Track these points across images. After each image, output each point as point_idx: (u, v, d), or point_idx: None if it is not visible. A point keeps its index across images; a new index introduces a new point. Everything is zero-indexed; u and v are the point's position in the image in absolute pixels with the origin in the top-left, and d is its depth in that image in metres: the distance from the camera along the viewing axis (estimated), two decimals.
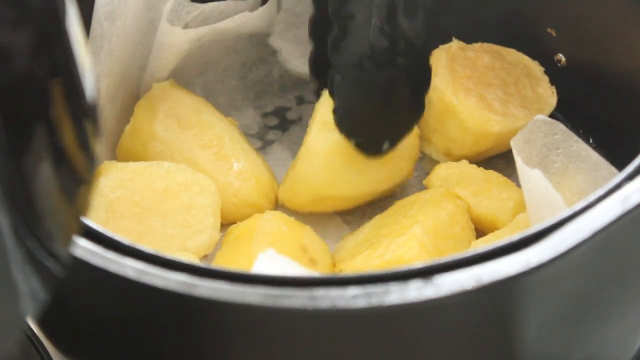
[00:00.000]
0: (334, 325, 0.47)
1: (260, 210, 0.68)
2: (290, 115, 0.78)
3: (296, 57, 0.74)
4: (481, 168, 0.69)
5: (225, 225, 0.68)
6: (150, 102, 0.70)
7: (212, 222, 0.66)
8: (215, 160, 0.69)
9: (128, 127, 0.70)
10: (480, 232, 0.67)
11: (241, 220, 0.68)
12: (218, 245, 0.68)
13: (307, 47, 0.72)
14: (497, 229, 0.66)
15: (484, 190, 0.68)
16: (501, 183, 0.69)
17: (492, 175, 0.69)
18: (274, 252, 0.53)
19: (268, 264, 0.51)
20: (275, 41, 0.74)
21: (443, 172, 0.69)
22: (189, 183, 0.66)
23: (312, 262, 0.64)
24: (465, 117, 0.69)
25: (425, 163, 0.73)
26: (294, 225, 0.66)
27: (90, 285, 0.51)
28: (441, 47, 0.71)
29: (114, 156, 0.71)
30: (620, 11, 0.67)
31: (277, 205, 0.71)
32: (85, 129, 0.39)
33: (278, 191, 0.70)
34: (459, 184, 0.68)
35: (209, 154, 0.69)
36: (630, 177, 0.50)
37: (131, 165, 0.66)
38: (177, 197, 0.65)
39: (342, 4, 0.64)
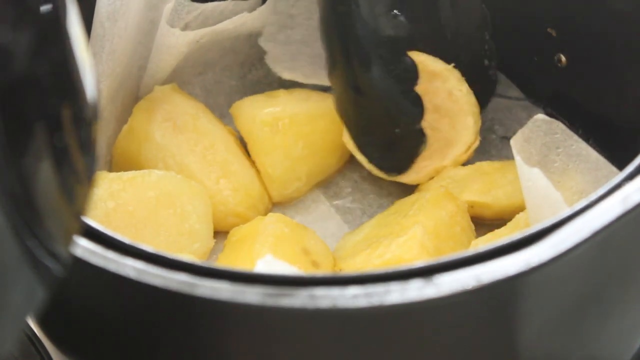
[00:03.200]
0: (335, 324, 0.47)
1: (247, 222, 0.68)
2: None
3: (283, 61, 0.74)
4: (469, 165, 0.69)
5: (218, 232, 0.68)
6: (150, 104, 0.70)
7: (204, 229, 0.66)
8: (206, 167, 0.69)
9: (125, 127, 0.70)
10: (498, 225, 0.66)
11: (229, 229, 0.68)
12: (219, 249, 0.68)
13: (297, 49, 0.72)
14: (522, 210, 0.65)
15: (489, 183, 0.68)
16: (498, 169, 0.69)
17: (485, 166, 0.69)
18: (272, 257, 0.53)
19: (267, 269, 0.51)
20: (264, 43, 0.74)
21: (435, 184, 0.69)
22: (180, 191, 0.66)
23: (314, 264, 0.64)
24: None
25: None
26: (296, 228, 0.66)
27: (90, 285, 0.51)
28: None
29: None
30: (620, 11, 0.67)
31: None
32: (85, 128, 0.39)
33: (271, 192, 0.71)
34: (461, 190, 0.68)
35: (200, 160, 0.69)
36: (630, 177, 0.50)
37: (123, 175, 0.66)
38: (169, 206, 0.65)
39: None
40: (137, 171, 0.66)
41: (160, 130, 0.69)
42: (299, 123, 0.70)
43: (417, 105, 0.68)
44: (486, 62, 0.71)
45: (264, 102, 0.71)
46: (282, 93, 0.72)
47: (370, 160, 0.70)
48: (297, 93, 0.73)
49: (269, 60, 0.74)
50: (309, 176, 0.71)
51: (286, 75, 0.74)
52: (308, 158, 0.70)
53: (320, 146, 0.71)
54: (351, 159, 0.73)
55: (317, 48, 0.74)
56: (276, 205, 0.71)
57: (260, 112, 0.70)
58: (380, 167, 0.70)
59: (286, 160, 0.70)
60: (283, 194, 0.71)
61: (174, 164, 0.68)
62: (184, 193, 0.66)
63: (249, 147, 0.71)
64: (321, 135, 0.71)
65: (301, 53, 0.74)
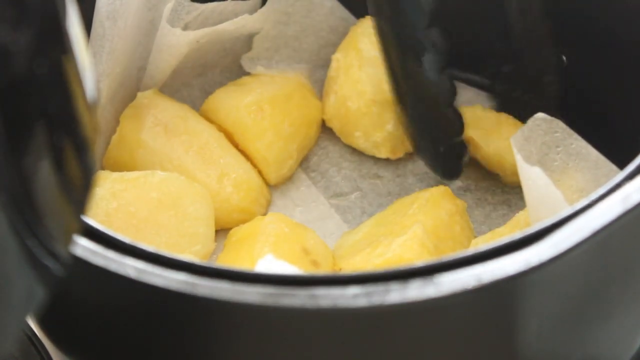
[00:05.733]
0: (335, 324, 0.47)
1: (252, 216, 0.68)
2: None
3: (261, 58, 0.74)
4: (493, 111, 0.71)
5: (219, 231, 0.68)
6: (136, 111, 0.70)
7: (205, 232, 0.66)
8: (205, 166, 0.69)
9: (114, 137, 0.70)
10: (488, 177, 0.68)
11: (233, 226, 0.68)
12: (219, 249, 0.67)
13: (285, 42, 0.73)
14: (504, 169, 0.68)
15: (494, 131, 0.69)
16: (511, 125, 0.70)
17: (503, 117, 0.71)
18: (273, 257, 0.53)
19: (267, 269, 0.51)
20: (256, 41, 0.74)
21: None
22: (182, 192, 0.66)
23: (315, 263, 0.64)
24: None
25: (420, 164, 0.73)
26: (296, 227, 0.66)
27: (90, 285, 0.51)
28: None
29: None
30: (620, 11, 0.67)
31: (268, 208, 0.71)
32: (85, 128, 0.39)
33: (269, 176, 0.71)
34: (470, 126, 0.69)
35: (198, 161, 0.69)
36: (630, 177, 0.50)
37: (126, 175, 0.65)
38: (171, 207, 0.65)
39: None
40: (141, 172, 0.66)
41: (152, 135, 0.69)
42: (279, 103, 0.71)
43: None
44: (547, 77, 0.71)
45: (239, 90, 0.72)
46: (248, 80, 0.73)
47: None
48: (262, 77, 0.74)
49: (245, 59, 0.74)
50: (298, 152, 0.72)
51: (259, 70, 0.74)
52: (295, 135, 0.72)
53: (301, 121, 0.72)
54: (349, 156, 0.73)
55: (306, 43, 0.74)
56: (275, 204, 0.71)
57: (242, 100, 0.71)
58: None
59: (279, 140, 0.71)
60: (280, 174, 0.71)
61: (171, 168, 0.68)
62: (187, 195, 0.66)
63: (237, 137, 0.71)
64: (299, 110, 0.72)
65: (287, 46, 0.74)
